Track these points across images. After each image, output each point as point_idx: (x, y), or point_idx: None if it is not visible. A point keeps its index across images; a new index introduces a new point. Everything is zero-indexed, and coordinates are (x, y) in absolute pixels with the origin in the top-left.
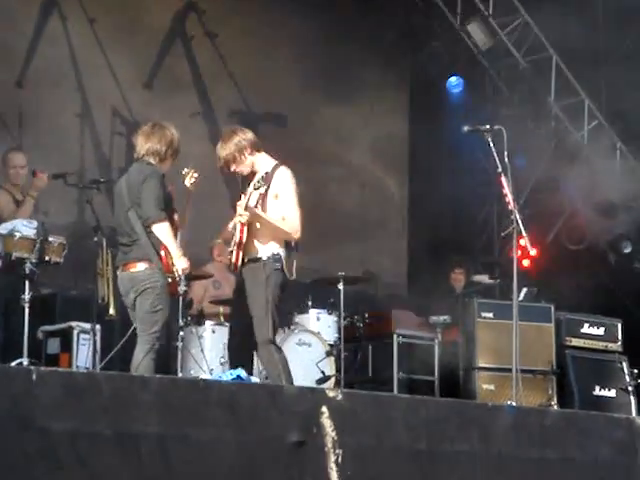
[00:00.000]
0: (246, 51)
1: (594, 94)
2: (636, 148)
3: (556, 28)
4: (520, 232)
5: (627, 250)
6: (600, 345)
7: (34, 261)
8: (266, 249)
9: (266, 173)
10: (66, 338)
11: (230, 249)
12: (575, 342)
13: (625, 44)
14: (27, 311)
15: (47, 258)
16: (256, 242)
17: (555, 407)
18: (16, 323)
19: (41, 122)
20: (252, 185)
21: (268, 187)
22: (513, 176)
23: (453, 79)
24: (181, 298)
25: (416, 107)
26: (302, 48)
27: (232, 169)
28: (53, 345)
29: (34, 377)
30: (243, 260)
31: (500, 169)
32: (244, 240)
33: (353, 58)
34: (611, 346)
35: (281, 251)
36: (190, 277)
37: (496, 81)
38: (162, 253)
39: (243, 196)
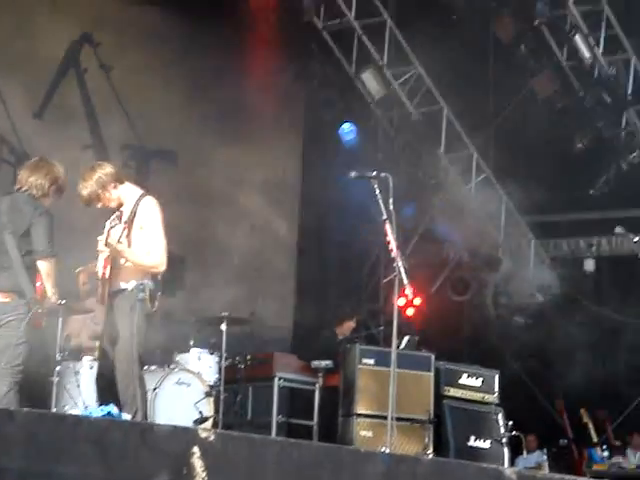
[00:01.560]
0: (140, 86)
1: (483, 149)
2: (520, 203)
3: (448, 82)
4: (402, 281)
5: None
6: (477, 396)
7: None
8: (131, 280)
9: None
10: None
11: (98, 283)
12: (453, 392)
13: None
14: None
15: None
16: (122, 274)
17: (430, 456)
18: None
19: None
20: (113, 218)
21: (133, 217)
22: (401, 224)
23: (346, 125)
24: (59, 332)
25: (309, 151)
26: (197, 86)
27: (98, 206)
28: None
29: None
30: (109, 293)
31: (385, 216)
32: (107, 275)
33: (248, 98)
34: (488, 397)
35: (146, 281)
36: (69, 311)
37: (388, 130)
38: (38, 284)
39: (107, 230)
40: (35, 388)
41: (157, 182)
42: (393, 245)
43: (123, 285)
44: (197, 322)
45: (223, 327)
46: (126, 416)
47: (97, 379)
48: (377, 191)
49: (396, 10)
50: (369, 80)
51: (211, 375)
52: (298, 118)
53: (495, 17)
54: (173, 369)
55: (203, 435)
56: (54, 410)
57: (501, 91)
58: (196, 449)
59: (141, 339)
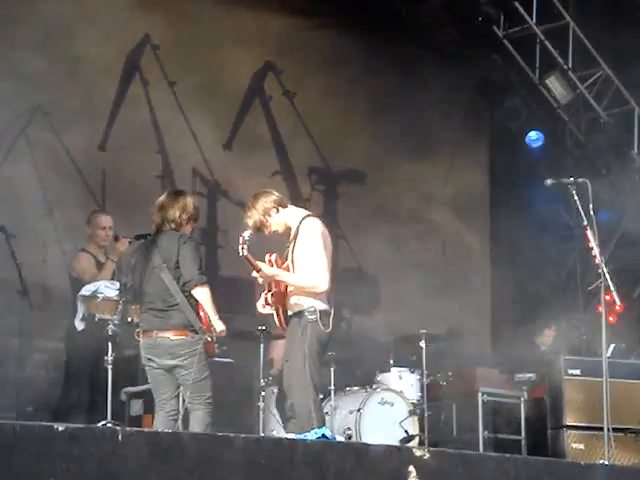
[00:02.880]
0: (323, 109)
1: None
2: None
3: (638, 80)
4: (608, 287)
5: None
6: None
7: (117, 322)
8: (301, 303)
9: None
10: (149, 399)
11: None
12: None
13: None
14: (110, 372)
15: (130, 319)
16: (293, 297)
17: None
18: (100, 384)
19: (123, 184)
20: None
21: (295, 238)
22: (597, 230)
23: (533, 134)
24: (262, 357)
25: (496, 162)
26: (379, 105)
27: (266, 233)
28: (136, 406)
29: (120, 437)
30: (286, 319)
31: (586, 222)
32: (270, 300)
33: (431, 114)
34: None
35: (317, 303)
36: (272, 337)
37: (577, 135)
38: (201, 314)
39: (251, 261)
40: (242, 415)
41: (346, 204)
42: (596, 251)
43: (294, 309)
44: (396, 340)
45: (422, 344)
46: (339, 438)
47: (276, 403)
48: (576, 197)
49: (578, 12)
50: (554, 85)
51: (413, 393)
52: (484, 129)
53: None
54: (375, 389)
55: (418, 454)
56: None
57: None
58: (412, 468)
59: (314, 362)
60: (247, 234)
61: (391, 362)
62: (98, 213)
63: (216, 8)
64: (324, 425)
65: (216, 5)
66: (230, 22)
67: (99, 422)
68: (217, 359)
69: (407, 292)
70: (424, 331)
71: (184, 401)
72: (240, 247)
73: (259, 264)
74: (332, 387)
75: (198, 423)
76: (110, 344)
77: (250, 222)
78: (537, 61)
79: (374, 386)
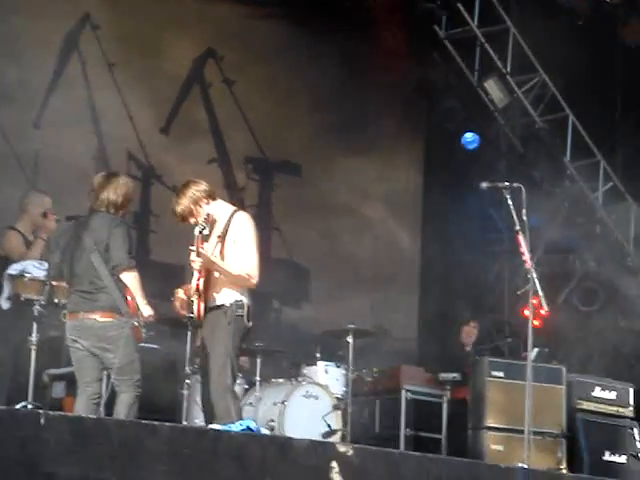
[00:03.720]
0: (263, 99)
1: (610, 155)
2: None
3: (573, 88)
4: (536, 291)
5: None
6: (611, 409)
7: (43, 303)
8: (228, 296)
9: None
10: (72, 382)
11: (191, 300)
12: (586, 405)
13: None
14: (34, 353)
15: (56, 300)
16: (217, 290)
17: (564, 471)
18: (23, 365)
19: (56, 164)
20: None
21: (226, 232)
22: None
23: (469, 135)
24: (188, 344)
25: (431, 161)
26: (319, 98)
27: (192, 222)
28: (58, 388)
29: (42, 421)
30: (205, 309)
31: (518, 227)
32: (201, 288)
33: (370, 110)
34: (622, 411)
35: (244, 298)
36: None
37: (512, 139)
38: (128, 298)
39: (199, 243)
40: (164, 401)
41: (281, 194)
42: (527, 256)
43: (220, 301)
44: (323, 334)
45: (349, 339)
46: (265, 431)
47: (202, 394)
48: (510, 202)
49: (519, 17)
50: (492, 88)
51: (338, 388)
52: (420, 128)
53: (623, 23)
54: (301, 382)
55: (341, 449)
56: (185, 423)
57: (629, 97)
58: (335, 464)
59: (235, 355)
60: (201, 229)
61: (318, 355)
62: (37, 193)
63: None
64: (241, 418)
65: None
66: (173, 7)
67: (19, 403)
68: (143, 344)
69: (337, 286)
70: (352, 326)
71: (107, 385)
72: (202, 222)
73: (202, 250)
74: (258, 378)
75: (124, 405)
76: (35, 325)
77: (178, 209)
78: (476, 63)
79: (299, 379)
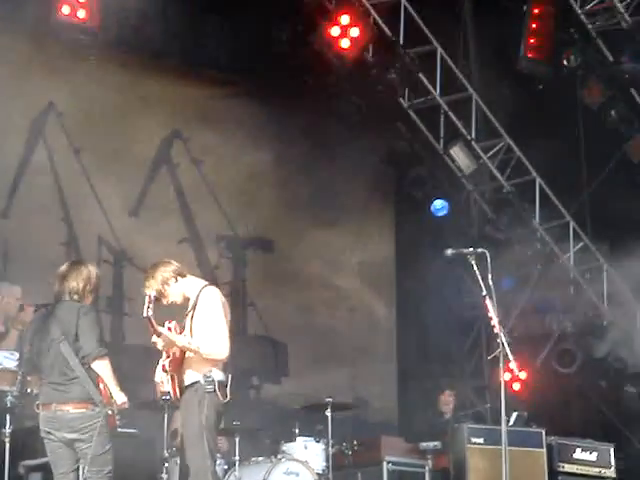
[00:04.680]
0: (231, 177)
1: (579, 216)
2: (622, 268)
3: (538, 151)
4: (506, 356)
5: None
6: (593, 471)
7: (16, 394)
8: (198, 373)
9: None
10: (48, 472)
11: (165, 381)
12: (568, 468)
13: (607, 166)
14: (7, 445)
15: (29, 390)
16: (188, 368)
17: None
18: None
19: (26, 252)
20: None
21: (194, 308)
22: (501, 298)
23: (438, 202)
24: (165, 427)
25: (402, 230)
26: (287, 172)
27: (165, 303)
28: None
29: None
30: (181, 389)
31: (484, 292)
32: (167, 368)
33: (338, 181)
34: (605, 472)
35: (214, 373)
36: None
37: (481, 204)
38: (101, 386)
39: (152, 324)
40: None
41: (254, 270)
42: (495, 321)
43: (190, 379)
44: (302, 409)
45: (328, 413)
46: None
47: (179, 474)
48: (475, 267)
49: (481, 84)
50: (458, 155)
51: (319, 463)
52: (390, 197)
53: (582, 84)
54: (280, 459)
55: None
56: None
57: (593, 157)
58: None
59: (212, 433)
60: (153, 294)
61: (296, 431)
62: (4, 284)
63: (121, 75)
64: None
65: (121, 72)
66: (136, 89)
67: None
68: (120, 430)
69: (315, 359)
70: (330, 400)
71: (81, 475)
72: (145, 307)
73: (160, 329)
74: (237, 457)
75: None
76: (8, 416)
77: (147, 291)
78: (441, 131)
79: (279, 456)
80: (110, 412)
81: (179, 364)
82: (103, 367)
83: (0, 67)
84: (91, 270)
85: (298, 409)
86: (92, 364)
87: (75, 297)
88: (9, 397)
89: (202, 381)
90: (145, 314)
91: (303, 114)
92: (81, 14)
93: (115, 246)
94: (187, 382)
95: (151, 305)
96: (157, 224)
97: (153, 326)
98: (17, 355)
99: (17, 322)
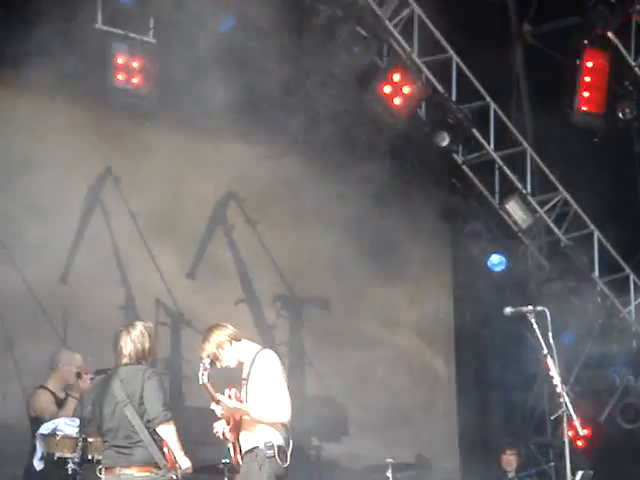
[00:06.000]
0: (286, 236)
1: (639, 268)
2: None
3: (596, 204)
4: (570, 416)
5: None
6: None
7: (77, 460)
8: (258, 438)
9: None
10: None
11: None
12: None
13: None
14: None
15: (90, 456)
16: (248, 433)
17: None
18: None
19: (85, 317)
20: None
21: (249, 374)
22: (562, 354)
23: (495, 258)
24: None
25: (460, 286)
26: (343, 231)
27: (218, 366)
28: None
29: None
30: (241, 455)
31: (545, 351)
32: (227, 435)
33: (394, 239)
34: None
35: (275, 437)
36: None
37: (538, 258)
38: (165, 450)
39: (211, 390)
40: None
41: (312, 329)
42: (557, 380)
43: (250, 444)
44: (363, 470)
45: (389, 474)
46: None
47: None
48: (535, 325)
49: (535, 137)
50: (514, 209)
51: None
52: (446, 253)
53: (639, 136)
54: None
55: None
56: None
57: None
58: None
59: None
60: (208, 361)
61: None
62: (67, 352)
63: (176, 139)
64: None
65: (175, 137)
66: (191, 152)
67: None
68: None
69: (374, 418)
70: (390, 460)
71: None
72: (200, 374)
73: (218, 396)
74: None
75: None
76: None
77: (203, 354)
78: (496, 186)
79: None
80: (174, 477)
81: (238, 429)
82: (168, 431)
83: (58, 133)
84: (149, 329)
85: (359, 470)
86: (157, 428)
87: (133, 359)
88: (70, 464)
89: (262, 446)
90: (201, 381)
91: (358, 171)
92: (135, 80)
93: (172, 308)
94: (247, 447)
95: (206, 372)
96: (213, 285)
97: (210, 393)
98: (77, 421)
99: (75, 390)
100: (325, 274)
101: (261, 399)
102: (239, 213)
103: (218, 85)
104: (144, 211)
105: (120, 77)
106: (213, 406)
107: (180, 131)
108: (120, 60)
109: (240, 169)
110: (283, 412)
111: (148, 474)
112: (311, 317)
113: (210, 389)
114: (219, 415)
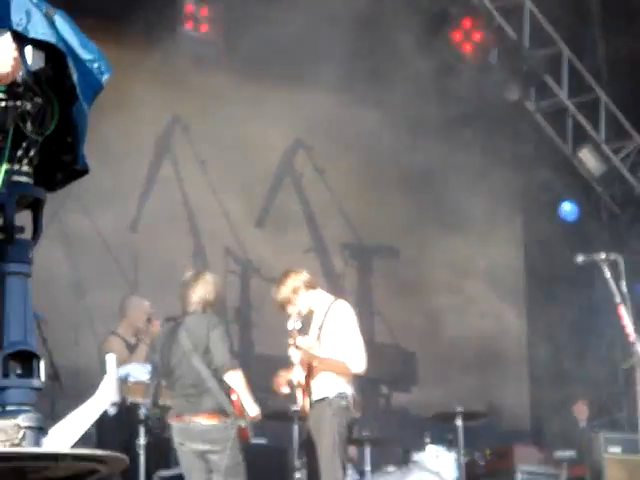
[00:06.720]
0: (355, 185)
1: None
2: None
3: None
4: None
5: None
6: None
7: (149, 406)
8: (331, 388)
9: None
10: None
11: (296, 394)
12: None
13: None
14: (142, 457)
15: (162, 402)
16: (320, 382)
17: None
18: (132, 469)
19: (155, 265)
20: (296, 321)
21: (324, 323)
22: (636, 304)
23: (567, 206)
24: (295, 438)
25: (530, 235)
26: (411, 179)
27: (288, 311)
28: None
29: None
30: (310, 403)
31: (618, 300)
32: (302, 383)
33: (463, 187)
34: None
35: (347, 388)
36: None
37: (611, 207)
38: (233, 398)
39: (294, 336)
40: None
41: (380, 278)
42: (630, 329)
43: (323, 393)
44: (433, 418)
45: (459, 422)
46: None
47: None
48: (607, 274)
49: (609, 84)
50: (587, 158)
51: (451, 473)
52: (516, 202)
53: None
54: (412, 469)
55: None
56: None
57: None
58: None
59: (344, 445)
60: (298, 309)
61: (427, 440)
62: (136, 298)
63: (244, 87)
64: None
65: (244, 84)
66: (259, 100)
67: None
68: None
69: (444, 366)
70: (460, 409)
71: None
72: (293, 319)
73: (301, 342)
74: (368, 467)
75: None
76: (142, 428)
77: (278, 297)
78: (569, 133)
79: (410, 466)
80: (243, 425)
81: (310, 377)
82: (236, 379)
83: (128, 82)
84: (215, 279)
85: (428, 418)
86: (225, 376)
87: (199, 307)
88: (142, 409)
89: (336, 396)
90: (291, 327)
91: (427, 124)
92: (204, 28)
93: (241, 257)
94: (318, 396)
95: (299, 319)
96: (282, 234)
97: (295, 338)
98: (149, 367)
99: (146, 336)
100: (394, 223)
101: (338, 348)
102: (307, 161)
103: (288, 31)
104: (212, 159)
105: (189, 25)
106: (292, 351)
107: (248, 79)
108: (189, 9)
109: (309, 116)
110: (361, 362)
111: (216, 422)
112: (380, 266)
113: (296, 334)
114: (295, 361)
